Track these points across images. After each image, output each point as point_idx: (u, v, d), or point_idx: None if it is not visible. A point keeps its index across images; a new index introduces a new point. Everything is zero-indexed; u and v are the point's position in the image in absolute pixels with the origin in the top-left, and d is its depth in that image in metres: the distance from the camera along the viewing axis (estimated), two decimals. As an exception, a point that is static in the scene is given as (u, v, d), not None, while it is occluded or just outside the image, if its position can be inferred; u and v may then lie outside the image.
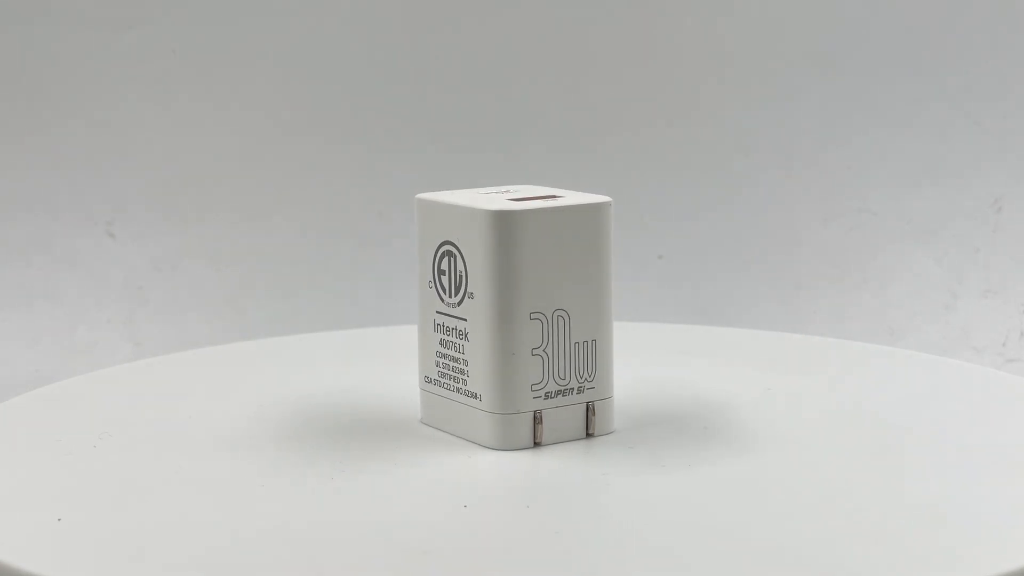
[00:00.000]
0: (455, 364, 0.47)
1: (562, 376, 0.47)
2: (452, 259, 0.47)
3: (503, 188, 0.49)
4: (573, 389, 0.47)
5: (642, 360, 0.57)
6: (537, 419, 0.47)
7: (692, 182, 0.92)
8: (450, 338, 0.47)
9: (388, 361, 0.57)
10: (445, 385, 0.48)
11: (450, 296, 0.47)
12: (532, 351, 0.46)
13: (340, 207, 0.92)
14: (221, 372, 0.59)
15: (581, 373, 0.47)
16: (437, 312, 0.48)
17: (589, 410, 0.48)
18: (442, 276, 0.47)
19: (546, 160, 0.92)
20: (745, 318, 0.90)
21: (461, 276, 0.47)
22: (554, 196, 0.47)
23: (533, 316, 0.46)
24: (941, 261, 0.91)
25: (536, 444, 0.47)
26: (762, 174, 0.92)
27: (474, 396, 0.47)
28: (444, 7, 0.91)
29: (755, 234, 0.92)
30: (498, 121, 0.92)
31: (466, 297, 0.46)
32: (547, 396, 0.47)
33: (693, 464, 0.46)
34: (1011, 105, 0.91)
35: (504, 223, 0.45)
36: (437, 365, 0.48)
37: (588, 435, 0.48)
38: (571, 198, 0.47)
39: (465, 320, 0.47)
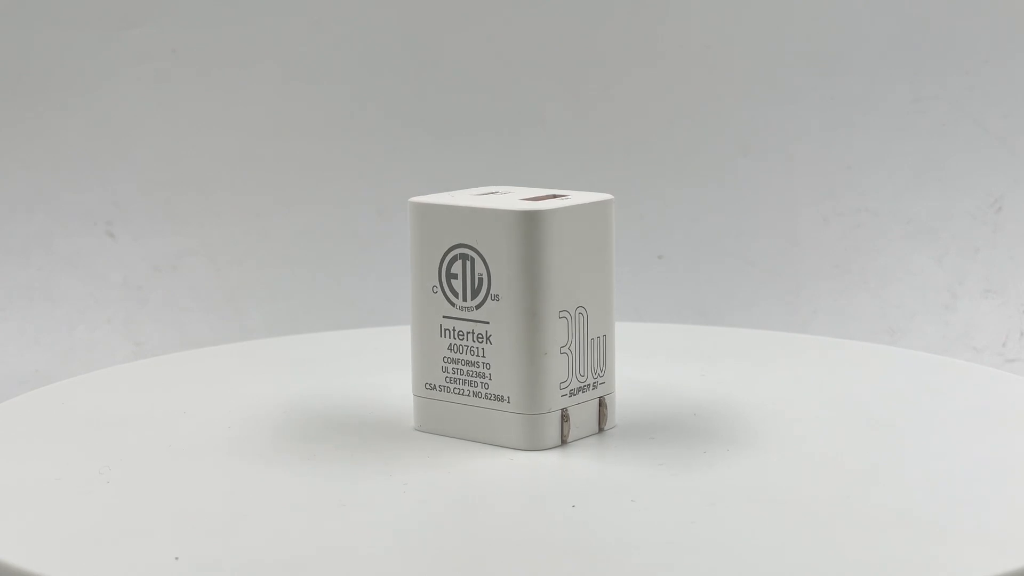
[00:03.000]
0: (472, 368, 0.47)
1: (582, 373, 0.47)
2: (468, 262, 0.46)
3: (490, 189, 0.49)
4: (589, 385, 0.47)
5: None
6: (564, 417, 0.47)
7: (692, 182, 0.92)
8: (465, 342, 0.47)
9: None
10: (456, 390, 0.47)
11: (465, 300, 0.47)
12: (560, 350, 0.46)
13: (340, 207, 0.92)
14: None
15: (595, 369, 0.47)
16: (445, 317, 0.47)
17: (601, 405, 0.48)
18: (452, 280, 0.47)
19: (546, 160, 0.92)
20: (745, 318, 0.90)
21: (481, 279, 0.46)
22: (556, 195, 0.47)
23: (561, 315, 0.46)
24: (941, 261, 0.91)
25: (563, 442, 0.47)
26: (762, 174, 0.92)
27: (499, 399, 0.46)
28: (444, 7, 0.91)
29: (755, 234, 0.92)
30: (498, 121, 0.92)
31: (488, 299, 0.46)
32: (571, 394, 0.47)
33: (732, 452, 0.46)
34: (1011, 105, 0.91)
35: (532, 223, 0.45)
36: (444, 370, 0.47)
37: (600, 430, 0.48)
38: (576, 196, 0.47)
39: (487, 323, 0.46)
